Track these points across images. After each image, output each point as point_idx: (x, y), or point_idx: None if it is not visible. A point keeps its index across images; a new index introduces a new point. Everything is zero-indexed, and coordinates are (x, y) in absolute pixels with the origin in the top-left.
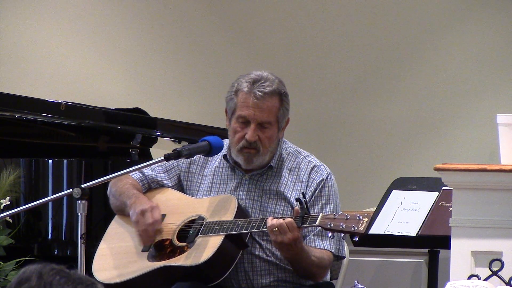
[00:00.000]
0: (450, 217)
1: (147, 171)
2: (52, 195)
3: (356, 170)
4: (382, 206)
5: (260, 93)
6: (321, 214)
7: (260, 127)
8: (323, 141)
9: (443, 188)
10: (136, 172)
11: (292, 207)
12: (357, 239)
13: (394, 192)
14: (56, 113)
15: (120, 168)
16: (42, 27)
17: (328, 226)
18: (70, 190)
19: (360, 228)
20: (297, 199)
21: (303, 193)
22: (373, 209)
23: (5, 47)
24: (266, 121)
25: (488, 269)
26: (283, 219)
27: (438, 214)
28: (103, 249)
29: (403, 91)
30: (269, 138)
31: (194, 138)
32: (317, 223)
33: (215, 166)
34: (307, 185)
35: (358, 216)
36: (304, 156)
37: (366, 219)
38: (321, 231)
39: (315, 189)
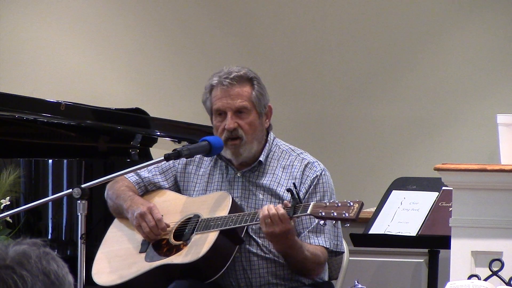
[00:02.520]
0: (450, 217)
1: (144, 173)
2: (52, 195)
3: (356, 170)
4: (382, 206)
5: (227, 81)
6: (312, 203)
7: (237, 114)
8: (323, 141)
9: (443, 188)
10: (133, 174)
11: None
12: (348, 225)
13: (394, 192)
14: (56, 113)
15: (120, 168)
16: (42, 27)
17: (320, 214)
18: (70, 190)
19: (351, 214)
20: (288, 189)
21: (294, 183)
22: (373, 209)
23: (5, 47)
24: (241, 106)
25: (488, 269)
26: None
27: (438, 214)
28: (102, 253)
29: (403, 91)
30: (249, 125)
31: (194, 138)
32: (308, 211)
33: (210, 166)
34: (301, 181)
35: (349, 202)
36: (298, 154)
37: (356, 205)
38: (316, 228)
39: (309, 186)
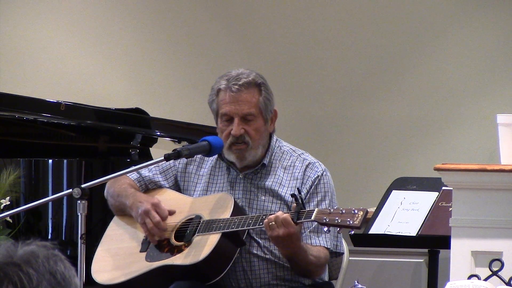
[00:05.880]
0: (450, 217)
1: (144, 172)
2: (52, 195)
3: (356, 170)
4: (382, 206)
5: (236, 87)
6: (316, 209)
7: (244, 120)
8: (323, 141)
9: (443, 188)
10: (133, 173)
11: (287, 205)
12: (352, 232)
13: (394, 192)
14: (56, 113)
15: (120, 168)
16: (42, 27)
17: (324, 220)
18: (70, 190)
19: (355, 222)
20: (292, 195)
21: (298, 188)
22: (373, 209)
23: (5, 47)
24: (248, 113)
25: (488, 269)
26: (279, 214)
27: (438, 214)
28: (102, 251)
29: (403, 91)
30: (256, 130)
31: (194, 138)
32: (312, 218)
33: (211, 166)
34: (302, 182)
35: (353, 210)
36: (299, 154)
37: (361, 213)
38: (317, 228)
39: (311, 186)
